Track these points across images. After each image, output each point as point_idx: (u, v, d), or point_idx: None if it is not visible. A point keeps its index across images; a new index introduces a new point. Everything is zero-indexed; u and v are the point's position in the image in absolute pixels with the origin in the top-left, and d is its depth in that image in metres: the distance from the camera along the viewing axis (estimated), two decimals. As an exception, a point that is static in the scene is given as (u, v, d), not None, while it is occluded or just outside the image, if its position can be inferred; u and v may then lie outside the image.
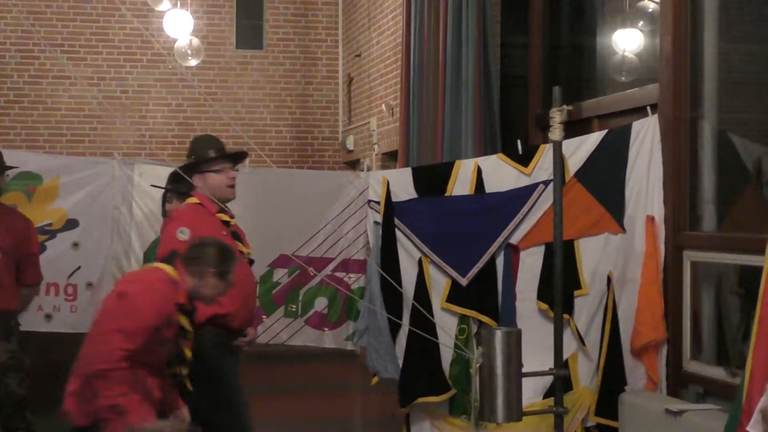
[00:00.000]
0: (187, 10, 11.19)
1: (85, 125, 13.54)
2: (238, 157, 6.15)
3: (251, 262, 5.99)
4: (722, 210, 6.21)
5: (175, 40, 11.27)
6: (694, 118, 6.17)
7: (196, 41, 11.22)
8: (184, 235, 5.65)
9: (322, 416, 6.60)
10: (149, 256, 6.68)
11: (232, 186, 5.93)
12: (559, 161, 5.49)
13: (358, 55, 12.84)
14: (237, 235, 5.92)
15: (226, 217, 5.93)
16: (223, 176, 5.91)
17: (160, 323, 4.77)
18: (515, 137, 7.21)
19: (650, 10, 7.20)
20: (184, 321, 4.99)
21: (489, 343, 5.27)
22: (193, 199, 5.94)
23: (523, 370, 5.41)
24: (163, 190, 6.69)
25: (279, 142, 14.03)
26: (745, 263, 5.66)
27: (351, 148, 13.15)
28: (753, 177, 6.07)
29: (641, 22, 7.42)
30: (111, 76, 13.65)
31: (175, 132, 13.76)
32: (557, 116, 5.49)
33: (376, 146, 11.69)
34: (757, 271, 4.85)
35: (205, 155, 5.90)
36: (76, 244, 7.58)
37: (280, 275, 7.33)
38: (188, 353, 5.10)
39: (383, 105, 11.19)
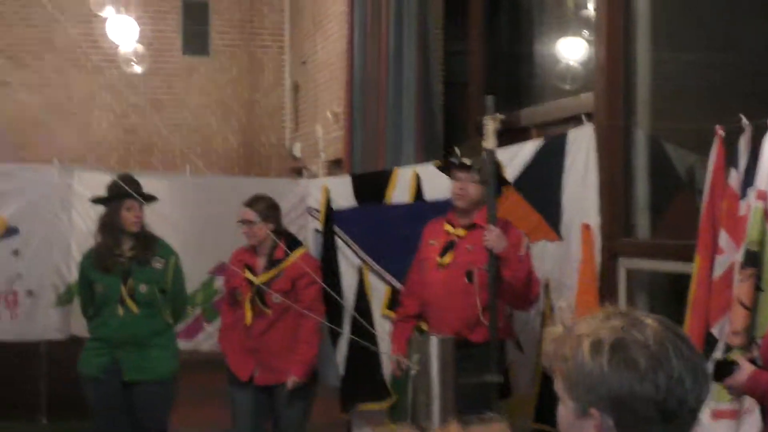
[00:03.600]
0: (132, 15, 11.13)
1: (29, 132, 13.43)
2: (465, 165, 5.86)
3: (468, 275, 5.73)
4: (656, 217, 6.29)
5: (119, 47, 11.21)
6: (628, 126, 6.23)
7: (140, 47, 11.17)
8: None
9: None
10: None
11: (457, 195, 5.82)
12: (492, 169, 5.53)
13: (304, 62, 12.84)
14: (450, 245, 5.80)
15: (449, 227, 5.84)
16: (454, 183, 5.85)
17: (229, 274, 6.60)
18: (457, 144, 7.25)
19: (588, 19, 7.26)
20: (249, 274, 6.43)
21: (424, 350, 5.29)
22: None
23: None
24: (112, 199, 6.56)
25: (225, 149, 14.00)
26: (678, 270, 5.72)
27: (298, 155, 13.16)
28: (686, 184, 6.15)
29: (580, 31, 7.48)
30: (56, 82, 13.55)
31: (121, 139, 13.69)
32: (490, 124, 5.53)
33: (322, 153, 11.70)
34: (690, 277, 4.93)
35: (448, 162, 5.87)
36: (16, 252, 7.56)
37: (221, 282, 7.33)
38: (264, 308, 6.41)
39: (328, 112, 11.21)
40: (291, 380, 6.35)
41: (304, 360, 6.38)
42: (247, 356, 6.47)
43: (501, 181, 5.86)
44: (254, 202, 6.53)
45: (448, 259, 5.76)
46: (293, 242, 6.58)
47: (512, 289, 5.62)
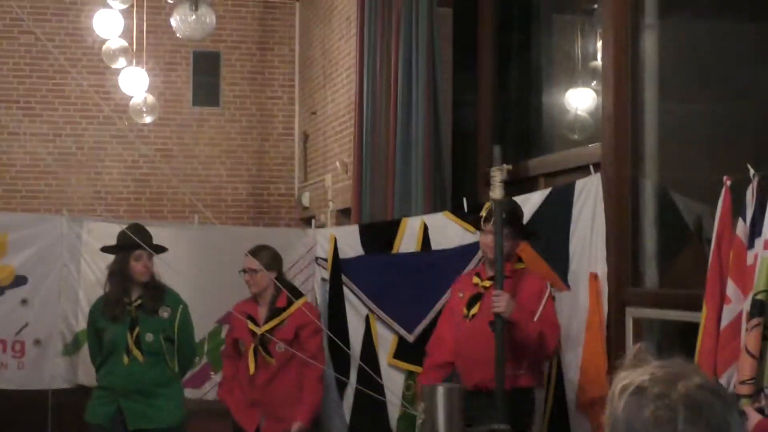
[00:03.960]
0: (143, 67, 11.22)
1: (40, 181, 13.49)
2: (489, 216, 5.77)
3: (494, 323, 5.56)
4: (664, 267, 6.28)
5: (131, 98, 11.30)
6: (635, 176, 6.24)
7: (151, 98, 11.25)
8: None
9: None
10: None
11: (490, 247, 5.70)
12: (500, 219, 5.53)
13: (314, 113, 12.91)
14: (476, 297, 5.80)
15: (477, 279, 5.83)
16: (483, 236, 5.80)
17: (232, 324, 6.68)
18: (466, 195, 7.27)
19: (595, 69, 7.31)
20: (251, 325, 6.46)
21: (431, 399, 5.27)
22: None
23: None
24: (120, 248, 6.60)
25: (235, 199, 14.02)
26: (685, 319, 5.71)
27: (307, 204, 13.19)
28: (693, 234, 6.15)
29: (588, 82, 7.52)
30: (67, 132, 13.62)
31: (131, 189, 13.72)
32: (497, 175, 5.54)
33: (331, 203, 11.73)
34: (698, 327, 4.92)
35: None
36: (24, 301, 7.56)
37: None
38: (268, 357, 6.45)
39: (338, 162, 11.25)
40: (296, 426, 6.35)
41: (308, 408, 6.39)
42: (252, 408, 6.48)
43: (522, 230, 5.89)
44: (258, 251, 6.58)
45: (474, 310, 5.77)
46: (294, 292, 6.60)
47: (524, 347, 5.62)
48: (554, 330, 5.70)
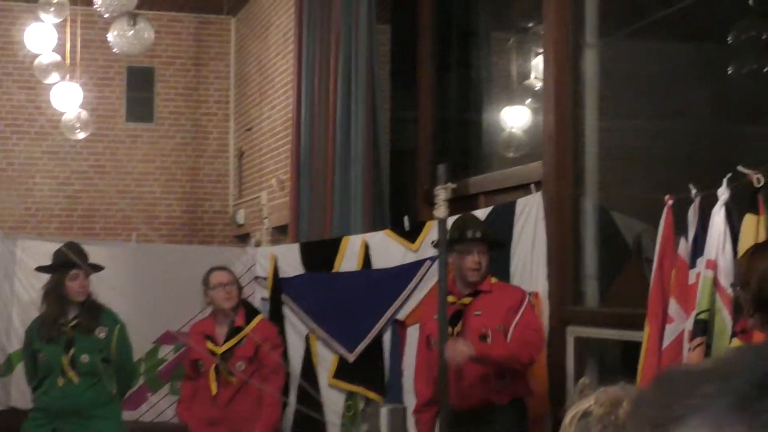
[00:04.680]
0: (77, 82, 11.05)
1: (-31, 198, 13.25)
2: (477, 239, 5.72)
3: (484, 336, 5.56)
4: (605, 286, 6.30)
5: (63, 113, 11.12)
6: (576, 195, 6.26)
7: (84, 114, 11.08)
8: None
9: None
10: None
11: (472, 270, 5.65)
12: (444, 238, 5.51)
13: (249, 129, 12.83)
14: (457, 315, 5.64)
15: (453, 298, 5.67)
16: (460, 258, 5.65)
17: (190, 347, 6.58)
18: (405, 213, 7.25)
19: (537, 88, 7.33)
20: (210, 345, 6.40)
21: (374, 420, 5.24)
22: None
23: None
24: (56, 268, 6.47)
25: (169, 216, 13.87)
26: (626, 338, 5.73)
27: (241, 222, 13.10)
28: (634, 253, 6.18)
29: (528, 100, 7.55)
30: (-3, 147, 13.40)
31: (63, 205, 13.52)
32: (442, 194, 5.53)
33: (266, 220, 11.66)
34: (639, 345, 4.93)
35: (453, 236, 5.68)
36: (-43, 320, 7.39)
37: (166, 352, 7.26)
38: (229, 377, 6.40)
39: (274, 179, 11.18)
40: None
41: (267, 423, 6.36)
42: (213, 427, 6.41)
43: (495, 243, 5.85)
44: (223, 267, 6.63)
45: (458, 328, 5.66)
46: (251, 310, 6.61)
47: (503, 368, 5.56)
48: (534, 336, 5.61)
